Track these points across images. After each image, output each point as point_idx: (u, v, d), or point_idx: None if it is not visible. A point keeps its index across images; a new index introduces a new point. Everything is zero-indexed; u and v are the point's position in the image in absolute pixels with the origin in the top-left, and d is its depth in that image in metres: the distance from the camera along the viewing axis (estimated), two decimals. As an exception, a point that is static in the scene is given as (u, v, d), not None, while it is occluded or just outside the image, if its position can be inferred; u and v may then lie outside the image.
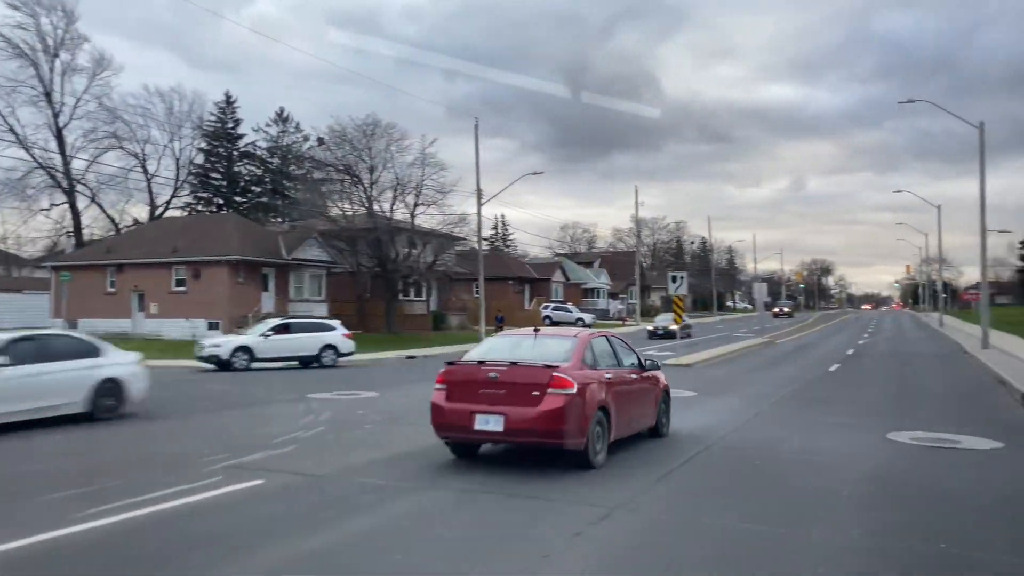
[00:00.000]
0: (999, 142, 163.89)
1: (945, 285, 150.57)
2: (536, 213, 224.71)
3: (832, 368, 24.91)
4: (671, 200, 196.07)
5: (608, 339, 10.38)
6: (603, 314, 76.56)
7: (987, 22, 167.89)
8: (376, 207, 42.56)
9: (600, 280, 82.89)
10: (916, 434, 11.68)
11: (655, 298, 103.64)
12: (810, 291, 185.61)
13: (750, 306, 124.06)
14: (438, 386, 9.08)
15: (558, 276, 72.13)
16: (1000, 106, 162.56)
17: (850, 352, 32.84)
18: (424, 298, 50.47)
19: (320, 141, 45.71)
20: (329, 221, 43.07)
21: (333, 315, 44.29)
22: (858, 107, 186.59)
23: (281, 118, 74.06)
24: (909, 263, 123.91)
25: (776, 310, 74.88)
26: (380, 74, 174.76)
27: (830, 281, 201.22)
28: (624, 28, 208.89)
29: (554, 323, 64.00)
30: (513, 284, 64.51)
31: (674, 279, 26.11)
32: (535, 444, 8.69)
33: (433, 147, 43.33)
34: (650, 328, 43.21)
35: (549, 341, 9.73)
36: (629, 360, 10.53)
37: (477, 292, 65.50)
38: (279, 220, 64.72)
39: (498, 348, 9.75)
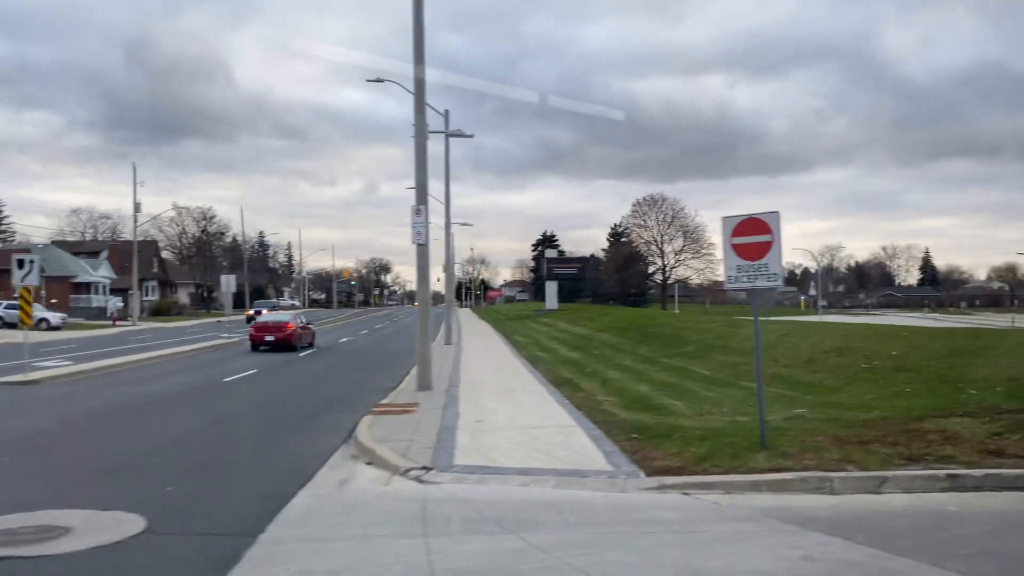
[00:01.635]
0: (537, 162, 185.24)
1: (483, 282, 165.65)
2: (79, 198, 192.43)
3: (232, 378, 20.11)
4: (246, 194, 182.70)
5: (302, 314, 42.88)
6: (98, 313, 64.54)
7: (527, 57, 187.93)
8: None
9: (99, 273, 70.10)
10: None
11: (183, 295, 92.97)
12: (369, 288, 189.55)
13: (297, 302, 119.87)
14: (252, 329, 30.50)
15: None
16: (539, 130, 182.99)
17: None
18: None
19: None
20: None
21: None
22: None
23: None
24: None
25: (251, 312, 58.28)
26: None
27: (388, 279, 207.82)
28: (193, 8, 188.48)
29: (7, 324, 51.00)
30: (-51, 275, 49.70)
31: (20, 264, 18.89)
32: (282, 344, 28.77)
33: None
34: None
35: (283, 314, 36.41)
36: (306, 320, 33.53)
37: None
38: None
39: (268, 317, 33.07)
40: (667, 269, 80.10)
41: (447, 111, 32.45)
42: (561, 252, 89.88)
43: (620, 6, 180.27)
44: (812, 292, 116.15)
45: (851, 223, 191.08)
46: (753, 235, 8.59)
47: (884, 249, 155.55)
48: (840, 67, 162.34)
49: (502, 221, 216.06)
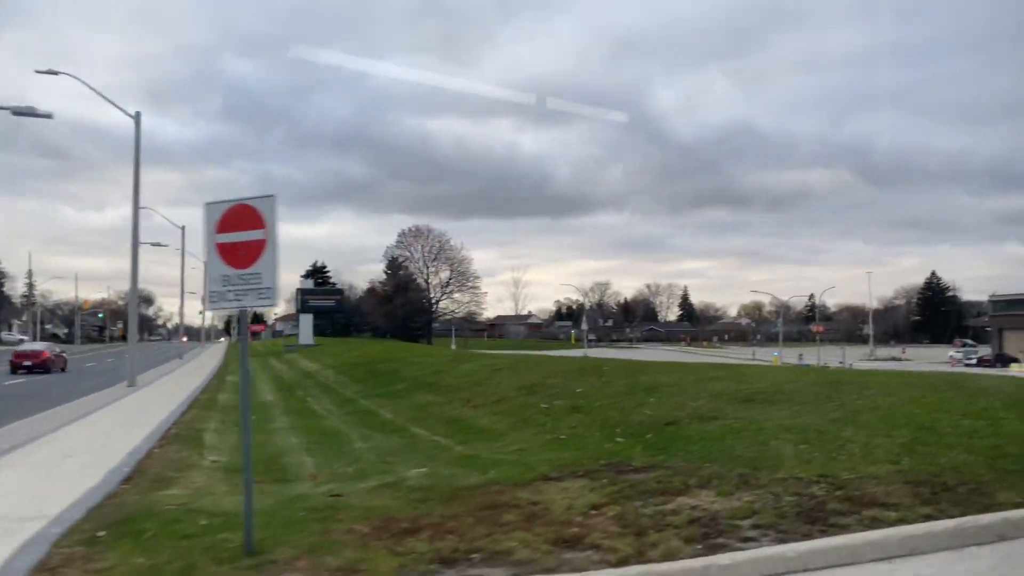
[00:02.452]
0: (328, 193, 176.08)
1: (257, 316, 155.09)
2: None
3: None
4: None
5: (53, 344, 45.45)
6: None
7: (320, 86, 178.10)
8: None
9: None
10: None
11: None
12: (126, 322, 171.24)
13: (27, 336, 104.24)
14: (13, 356, 35.91)
15: None
16: (332, 162, 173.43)
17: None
18: None
19: None
20: None
21: None
22: (205, 143, 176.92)
23: None
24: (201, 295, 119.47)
25: None
26: None
27: (151, 312, 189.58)
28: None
29: None
30: None
31: None
32: (39, 367, 34.80)
33: None
34: None
35: (40, 344, 42.88)
36: (60, 351, 40.35)
37: None
38: None
39: (27, 347, 40.20)
40: (434, 302, 77.78)
41: (138, 112, 27.93)
42: (331, 284, 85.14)
43: (412, 45, 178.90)
44: (584, 327, 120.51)
45: (625, 263, 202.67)
46: (244, 231, 5.77)
47: (648, 287, 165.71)
48: (616, 119, 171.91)
49: (293, 254, 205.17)
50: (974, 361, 71.09)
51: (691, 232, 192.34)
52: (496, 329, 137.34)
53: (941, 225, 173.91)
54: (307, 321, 58.75)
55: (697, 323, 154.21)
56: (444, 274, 76.96)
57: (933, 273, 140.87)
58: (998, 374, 16.53)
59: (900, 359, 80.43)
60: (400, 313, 71.12)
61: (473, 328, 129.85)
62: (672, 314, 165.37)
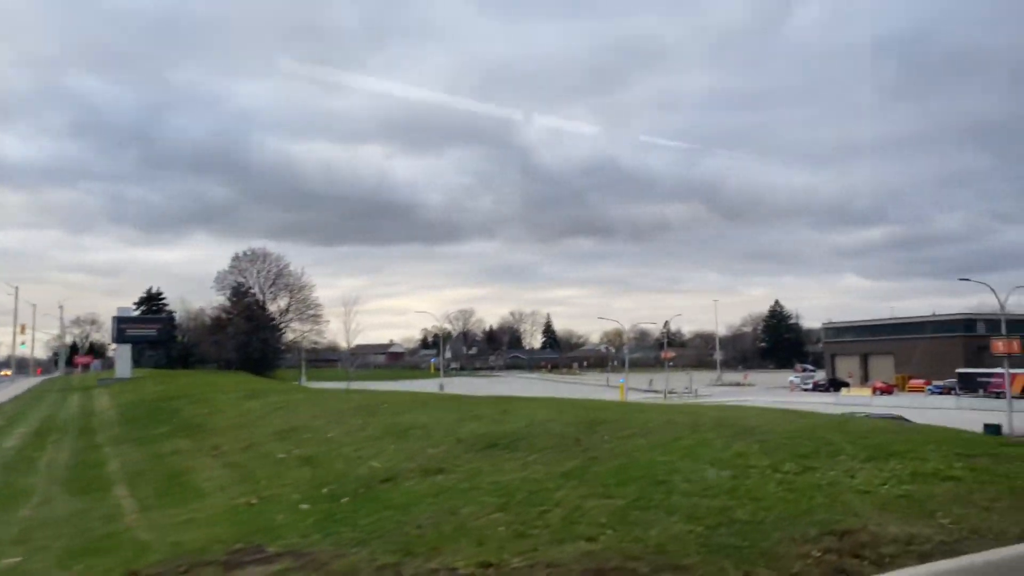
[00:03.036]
0: (188, 216, 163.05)
1: (93, 347, 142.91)
2: None
3: None
4: None
5: None
6: None
7: (175, 104, 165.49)
8: None
9: None
10: None
11: None
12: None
13: None
14: None
15: None
16: (191, 184, 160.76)
17: None
18: None
19: None
20: None
21: None
22: (50, 162, 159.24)
23: None
24: (25, 324, 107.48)
25: None
26: None
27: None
28: None
29: None
30: None
31: None
32: None
33: None
34: None
35: None
36: None
37: None
38: None
39: None
40: (278, 331, 73.13)
41: None
42: (167, 311, 78.66)
43: (281, 68, 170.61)
44: (448, 355, 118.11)
45: (496, 291, 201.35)
46: None
47: (513, 314, 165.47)
48: (486, 150, 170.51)
49: (146, 280, 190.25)
50: (810, 386, 74.09)
51: (559, 261, 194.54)
52: (353, 359, 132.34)
53: (786, 257, 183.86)
54: (124, 352, 53.28)
55: (560, 350, 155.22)
56: (283, 301, 72.17)
57: (776, 302, 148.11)
58: (773, 408, 15.64)
59: (742, 384, 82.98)
60: (231, 344, 65.88)
61: (328, 359, 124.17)
62: (537, 341, 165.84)
